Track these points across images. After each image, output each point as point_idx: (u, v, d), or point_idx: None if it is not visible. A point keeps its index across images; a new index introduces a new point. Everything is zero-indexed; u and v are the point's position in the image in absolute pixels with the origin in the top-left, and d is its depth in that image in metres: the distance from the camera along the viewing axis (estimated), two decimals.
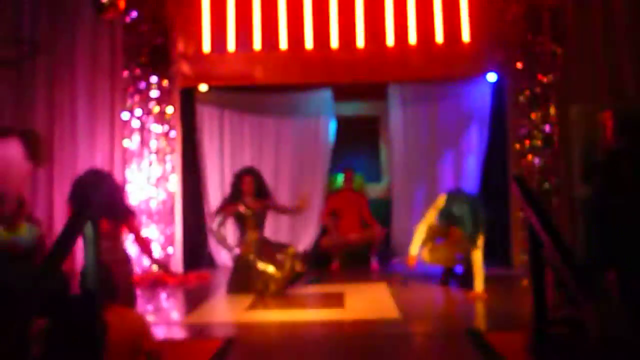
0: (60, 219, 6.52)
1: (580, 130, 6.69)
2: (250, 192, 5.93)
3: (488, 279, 5.44)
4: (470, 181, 7.43)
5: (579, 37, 6.73)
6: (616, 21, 6.69)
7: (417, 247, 5.50)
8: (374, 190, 8.28)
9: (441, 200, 5.49)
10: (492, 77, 7.11)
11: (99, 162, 6.66)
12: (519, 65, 6.76)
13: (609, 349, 1.15)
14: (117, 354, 2.82)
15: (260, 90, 7.56)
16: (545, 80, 6.74)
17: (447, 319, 4.97)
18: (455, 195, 5.54)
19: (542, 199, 6.51)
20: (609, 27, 6.69)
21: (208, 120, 7.59)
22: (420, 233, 5.51)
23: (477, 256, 5.37)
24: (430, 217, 5.52)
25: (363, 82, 7.22)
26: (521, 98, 6.79)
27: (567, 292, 1.88)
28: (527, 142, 6.79)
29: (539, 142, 6.76)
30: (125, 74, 6.80)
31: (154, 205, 6.79)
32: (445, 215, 5.40)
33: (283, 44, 6.89)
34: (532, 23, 6.70)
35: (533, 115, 6.76)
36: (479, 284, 5.35)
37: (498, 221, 6.88)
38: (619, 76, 6.72)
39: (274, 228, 7.76)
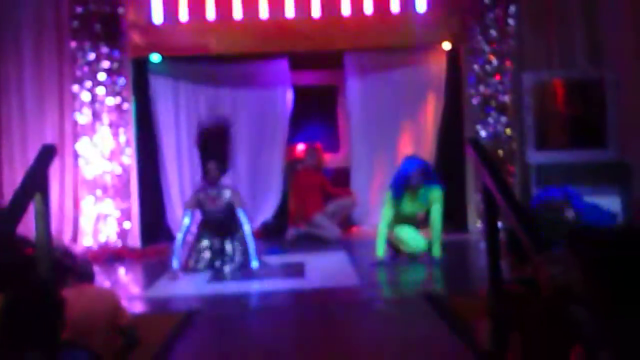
0: (9, 196, 6.33)
1: (533, 97, 6.85)
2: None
3: (445, 244, 5.56)
4: (427, 148, 7.51)
5: (532, 5, 6.82)
6: None
7: (382, 248, 5.49)
8: (333, 159, 8.30)
9: (388, 196, 5.53)
10: (447, 45, 7.15)
11: (49, 137, 6.46)
12: (474, 33, 6.81)
13: (560, 300, 1.19)
14: (90, 331, 2.78)
15: (215, 61, 7.42)
16: (499, 48, 6.81)
17: (406, 284, 5.06)
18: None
19: (497, 160, 6.64)
20: None
21: (162, 91, 7.41)
22: (382, 233, 5.50)
23: (436, 221, 5.46)
24: (387, 214, 5.52)
25: (319, 51, 7.17)
26: (476, 66, 6.86)
27: (519, 253, 1.94)
28: (482, 110, 6.89)
29: (493, 111, 6.86)
30: (73, 44, 6.56)
31: (108, 179, 6.63)
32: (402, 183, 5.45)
33: (237, 13, 6.76)
34: None
35: (488, 84, 6.84)
36: (436, 249, 5.46)
37: (454, 188, 7.00)
38: (570, 45, 6.87)
39: None
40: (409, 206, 5.54)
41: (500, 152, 6.73)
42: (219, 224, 5.59)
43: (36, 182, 2.13)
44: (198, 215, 5.72)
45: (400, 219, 5.57)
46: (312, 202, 7.22)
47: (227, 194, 5.57)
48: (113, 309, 2.96)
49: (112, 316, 2.93)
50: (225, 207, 5.53)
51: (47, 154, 2.27)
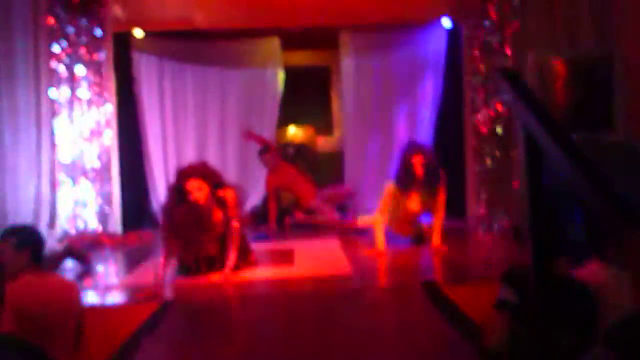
0: None
1: (537, 78, 6.50)
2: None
3: (444, 232, 5.23)
4: (424, 132, 7.16)
5: None
6: None
7: (382, 241, 5.09)
8: (325, 143, 7.96)
9: (391, 189, 5.12)
10: (447, 22, 6.78)
11: (22, 114, 6.07)
12: (475, 9, 6.44)
13: None
14: (43, 327, 2.44)
15: (202, 38, 7.04)
16: (502, 26, 6.46)
17: (402, 273, 4.73)
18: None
19: (497, 145, 6.33)
20: None
21: (146, 69, 7.03)
22: (379, 225, 5.11)
23: (439, 209, 5.15)
24: (384, 206, 5.13)
25: (312, 27, 6.78)
26: (477, 44, 6.50)
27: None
28: (481, 91, 6.53)
29: (493, 91, 6.51)
30: (51, 18, 6.16)
31: (88, 161, 6.27)
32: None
33: None
34: None
35: (489, 63, 6.49)
36: (436, 237, 5.13)
37: (453, 173, 6.66)
38: (576, 25, 6.51)
39: None
40: (414, 201, 5.16)
41: (499, 131, 6.41)
42: None
43: None
44: None
45: (399, 216, 5.22)
46: (304, 190, 6.85)
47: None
48: (67, 301, 2.60)
49: (65, 308, 2.58)
50: None
51: None
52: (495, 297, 2.35)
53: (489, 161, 6.45)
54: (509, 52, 6.45)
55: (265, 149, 6.81)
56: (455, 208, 6.56)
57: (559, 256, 2.55)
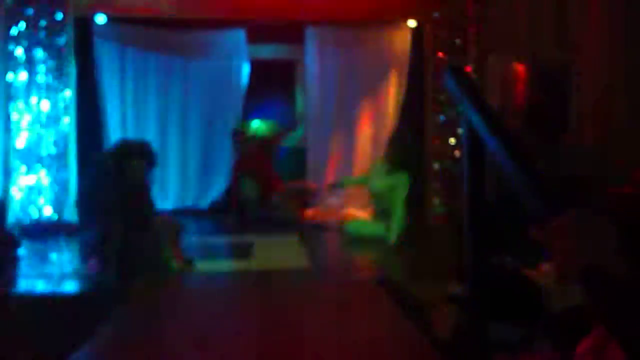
0: None
1: (497, 80, 6.64)
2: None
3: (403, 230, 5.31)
4: (386, 130, 7.21)
5: None
6: None
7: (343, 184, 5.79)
8: (289, 139, 7.94)
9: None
10: (412, 22, 6.86)
11: None
12: (440, 10, 6.54)
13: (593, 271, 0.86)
14: None
15: (167, 27, 6.93)
16: (465, 28, 6.57)
17: (361, 269, 4.78)
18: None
19: (456, 145, 6.44)
20: None
21: (107, 56, 6.88)
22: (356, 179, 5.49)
23: (398, 206, 5.25)
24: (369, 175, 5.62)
25: (279, 21, 6.76)
26: (440, 46, 6.60)
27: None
28: (443, 91, 6.63)
29: None
30: None
31: (44, 147, 6.12)
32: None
33: None
34: None
35: (452, 64, 6.60)
36: (392, 234, 5.20)
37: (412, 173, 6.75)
38: (538, 27, 6.66)
39: (182, 176, 7.30)
40: (378, 181, 5.43)
41: (459, 132, 6.53)
42: None
43: None
44: None
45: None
46: (269, 182, 6.85)
47: None
48: None
49: None
50: None
51: None
52: (446, 290, 2.41)
53: (448, 161, 6.57)
54: (471, 54, 6.58)
55: (237, 132, 6.90)
56: (416, 207, 6.66)
57: (506, 255, 2.62)
